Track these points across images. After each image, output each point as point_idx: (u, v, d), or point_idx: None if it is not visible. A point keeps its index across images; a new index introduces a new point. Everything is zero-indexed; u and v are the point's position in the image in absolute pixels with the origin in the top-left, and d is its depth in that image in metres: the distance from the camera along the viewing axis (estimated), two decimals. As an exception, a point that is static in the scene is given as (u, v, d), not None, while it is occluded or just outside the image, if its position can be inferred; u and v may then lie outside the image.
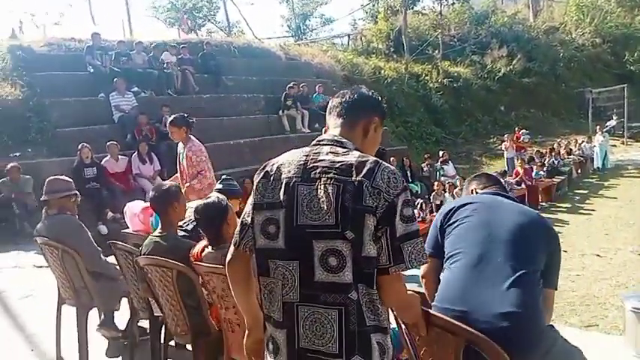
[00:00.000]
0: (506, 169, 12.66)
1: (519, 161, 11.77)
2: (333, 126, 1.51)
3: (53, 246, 3.10)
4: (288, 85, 11.57)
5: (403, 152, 12.23)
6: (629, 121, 18.45)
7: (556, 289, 1.95)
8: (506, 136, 14.27)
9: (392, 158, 10.78)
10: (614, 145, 16.37)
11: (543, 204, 10.88)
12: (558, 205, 10.98)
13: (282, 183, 1.36)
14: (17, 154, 7.89)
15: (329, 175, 1.32)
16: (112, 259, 3.26)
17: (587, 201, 11.17)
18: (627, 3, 25.96)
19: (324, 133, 1.53)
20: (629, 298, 3.47)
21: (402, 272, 1.34)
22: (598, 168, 14.83)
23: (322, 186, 1.31)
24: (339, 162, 1.34)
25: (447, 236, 1.95)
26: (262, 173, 1.44)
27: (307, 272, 1.30)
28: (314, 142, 1.46)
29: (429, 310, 1.67)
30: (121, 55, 9.94)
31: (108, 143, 7.78)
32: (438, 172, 11.87)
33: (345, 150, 1.39)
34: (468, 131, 17.70)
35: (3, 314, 4.14)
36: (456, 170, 12.27)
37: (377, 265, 1.30)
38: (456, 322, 1.58)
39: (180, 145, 4.72)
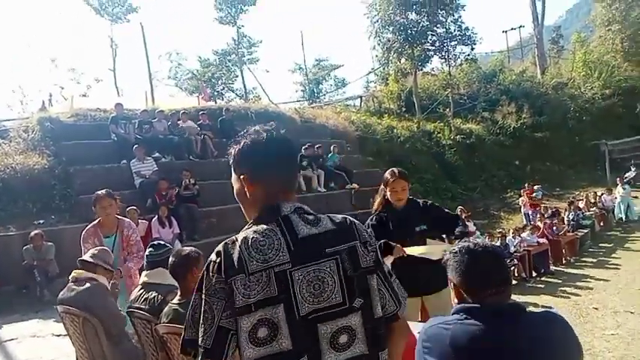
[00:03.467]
0: (525, 223, 12.45)
1: (539, 216, 11.59)
2: (281, 188, 1.31)
3: (75, 314, 3.10)
4: (304, 147, 11.83)
5: (420, 209, 12.17)
6: (647, 171, 18.20)
7: None
8: (522, 190, 14.15)
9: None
10: (636, 197, 16.04)
11: (569, 259, 10.56)
12: (583, 259, 10.64)
13: (270, 273, 1.16)
14: (41, 221, 8.11)
15: (321, 251, 1.21)
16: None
17: (614, 255, 10.79)
18: (633, 58, 26.48)
19: (266, 194, 1.29)
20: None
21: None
22: (621, 219, 14.47)
23: (320, 264, 1.20)
24: (320, 232, 1.24)
25: None
26: (235, 268, 1.16)
27: None
28: (272, 216, 1.25)
29: None
30: (143, 123, 10.39)
31: (128, 208, 7.93)
32: (457, 229, 11.68)
33: (312, 216, 1.28)
34: (483, 186, 17.62)
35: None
36: (475, 226, 12.09)
37: (386, 316, 1.29)
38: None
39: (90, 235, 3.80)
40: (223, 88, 29.99)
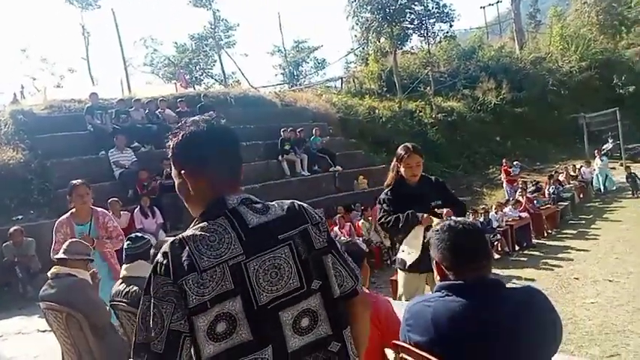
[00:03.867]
0: (507, 198, 12.66)
1: (520, 191, 11.78)
2: (226, 181, 1.24)
3: (58, 310, 3.05)
4: (283, 130, 11.75)
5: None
6: (624, 143, 18.59)
7: None
8: (501, 167, 14.38)
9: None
10: (614, 168, 16.40)
11: (550, 231, 10.79)
12: (564, 231, 10.89)
13: (225, 267, 1.13)
14: (20, 216, 7.93)
15: (274, 238, 1.19)
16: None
17: (593, 225, 11.07)
18: (609, 30, 26.79)
19: (210, 188, 1.23)
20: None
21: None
22: (599, 190, 14.80)
23: (274, 252, 1.18)
24: (270, 220, 1.21)
25: None
26: (184, 268, 1.11)
27: (280, 350, 1.16)
28: (219, 211, 1.20)
29: None
30: (120, 113, 10.16)
31: (109, 200, 7.80)
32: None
33: (260, 204, 1.25)
34: (466, 163, 17.81)
35: (6, 384, 4.01)
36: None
37: (344, 293, 1.28)
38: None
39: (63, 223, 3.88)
40: (201, 74, 29.49)
